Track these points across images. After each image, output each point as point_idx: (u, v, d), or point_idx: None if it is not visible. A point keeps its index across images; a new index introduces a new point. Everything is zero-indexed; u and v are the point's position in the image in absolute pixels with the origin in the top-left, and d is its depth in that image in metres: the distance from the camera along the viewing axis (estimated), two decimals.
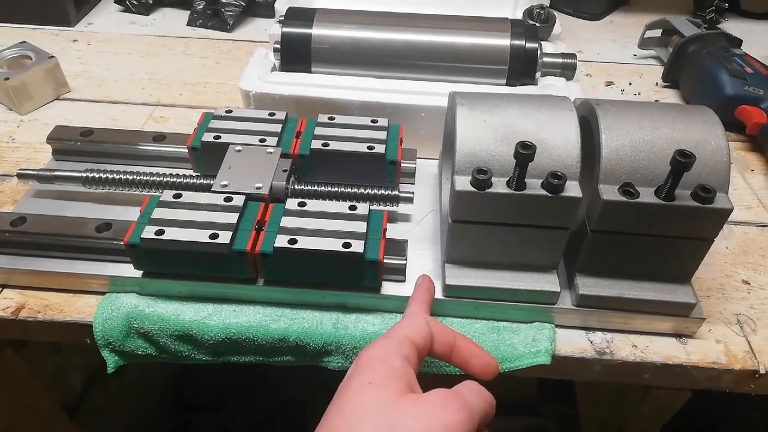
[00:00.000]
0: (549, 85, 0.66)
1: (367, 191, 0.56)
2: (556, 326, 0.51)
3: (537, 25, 0.72)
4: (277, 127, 0.58)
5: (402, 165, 0.58)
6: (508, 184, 0.45)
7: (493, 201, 0.45)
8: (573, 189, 0.45)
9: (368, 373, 0.37)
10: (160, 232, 0.47)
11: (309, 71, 0.67)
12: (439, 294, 0.51)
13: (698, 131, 0.47)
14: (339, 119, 0.59)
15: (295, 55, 0.66)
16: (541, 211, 0.46)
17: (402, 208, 0.59)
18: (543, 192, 0.45)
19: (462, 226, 0.47)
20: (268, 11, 0.94)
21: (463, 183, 0.45)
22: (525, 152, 0.43)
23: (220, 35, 0.90)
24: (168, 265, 0.50)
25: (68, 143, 0.60)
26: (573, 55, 0.68)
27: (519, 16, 0.79)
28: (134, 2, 0.93)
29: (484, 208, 0.46)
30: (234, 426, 1.22)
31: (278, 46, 0.66)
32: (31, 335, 0.52)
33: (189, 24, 0.92)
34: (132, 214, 0.55)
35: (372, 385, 0.36)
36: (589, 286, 0.49)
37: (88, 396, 0.98)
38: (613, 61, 0.89)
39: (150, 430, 1.18)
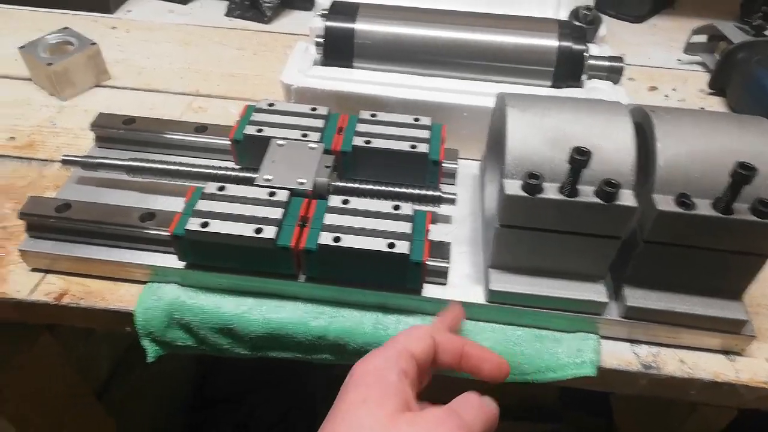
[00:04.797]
0: (595, 88, 0.64)
1: (409, 191, 0.55)
2: (600, 337, 0.50)
3: (584, 26, 0.70)
4: (320, 122, 0.58)
5: (443, 165, 0.57)
6: (560, 190, 0.44)
7: (544, 207, 0.44)
8: (627, 198, 0.44)
9: (363, 389, 0.36)
10: (205, 225, 0.47)
11: (350, 66, 0.66)
12: (481, 299, 0.50)
13: (756, 142, 0.46)
14: (381, 116, 0.59)
15: (337, 49, 0.65)
16: (593, 220, 0.45)
17: (441, 209, 0.58)
18: (596, 200, 0.44)
19: (510, 231, 0.46)
20: (306, 3, 0.93)
21: (514, 187, 0.44)
22: (580, 158, 0.42)
23: (257, 27, 0.90)
24: (211, 257, 0.50)
25: (111, 131, 0.60)
26: (620, 59, 0.66)
27: (562, 16, 0.78)
28: None
29: (534, 214, 0.45)
30: (252, 422, 1.22)
31: (320, 39, 0.66)
32: (74, 321, 0.52)
33: (227, 14, 0.91)
34: (173, 203, 0.55)
35: (366, 403, 0.35)
36: (637, 297, 0.48)
37: (113, 384, 0.99)
38: (657, 66, 0.87)
39: (170, 422, 1.19)
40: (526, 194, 0.44)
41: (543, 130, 0.46)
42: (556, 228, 0.46)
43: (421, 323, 0.51)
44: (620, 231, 0.45)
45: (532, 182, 0.43)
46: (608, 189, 0.43)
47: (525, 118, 0.46)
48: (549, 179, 0.44)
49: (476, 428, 0.35)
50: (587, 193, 0.44)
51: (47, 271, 0.53)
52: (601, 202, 0.43)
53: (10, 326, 0.63)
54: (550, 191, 0.44)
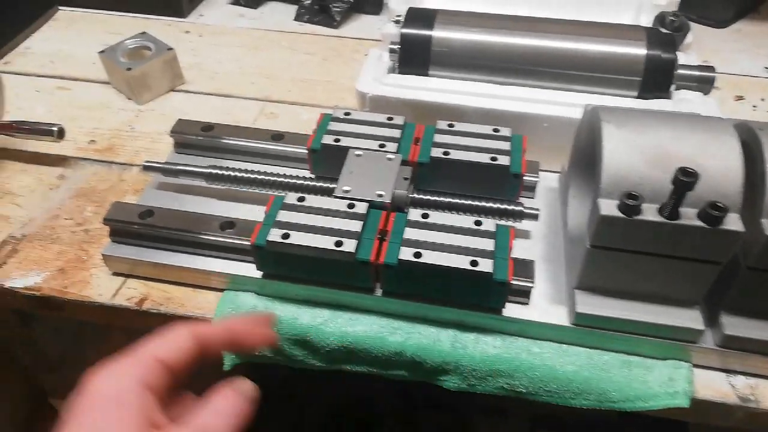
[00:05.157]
0: (684, 99, 0.61)
1: (489, 205, 0.53)
2: (692, 365, 0.47)
3: (672, 33, 0.67)
4: (397, 133, 0.57)
5: (524, 178, 0.55)
6: (660, 211, 0.42)
7: (642, 229, 0.42)
8: (734, 222, 0.41)
9: (90, 419, 0.30)
10: (286, 236, 0.47)
11: (426, 74, 0.65)
12: (565, 321, 0.48)
13: None
14: (459, 126, 0.57)
15: (413, 57, 0.64)
16: (694, 244, 0.42)
17: (520, 224, 0.56)
18: (699, 223, 0.41)
19: (602, 253, 0.44)
20: (375, 8, 0.92)
21: (610, 207, 0.42)
22: (686, 180, 0.39)
23: (326, 31, 0.90)
24: (289, 268, 0.49)
25: (189, 137, 0.61)
26: (711, 68, 0.63)
27: (642, 21, 0.75)
28: None
29: (630, 236, 0.43)
30: (303, 419, 1.23)
31: (395, 47, 0.65)
32: (153, 326, 0.53)
33: (296, 19, 0.92)
34: (251, 211, 0.56)
35: None
36: (736, 326, 0.45)
37: None
38: (742, 74, 0.82)
39: None
40: (622, 215, 0.42)
41: (641, 147, 0.43)
42: (652, 251, 0.43)
43: (501, 343, 0.49)
44: (723, 256, 0.43)
45: (630, 203, 0.41)
46: (714, 212, 0.40)
47: (621, 134, 0.44)
48: (648, 200, 0.42)
49: None
50: (689, 216, 0.41)
51: (128, 276, 0.54)
52: (705, 226, 0.41)
53: (85, 323, 0.65)
54: (649, 213, 0.42)
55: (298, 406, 1.25)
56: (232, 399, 0.34)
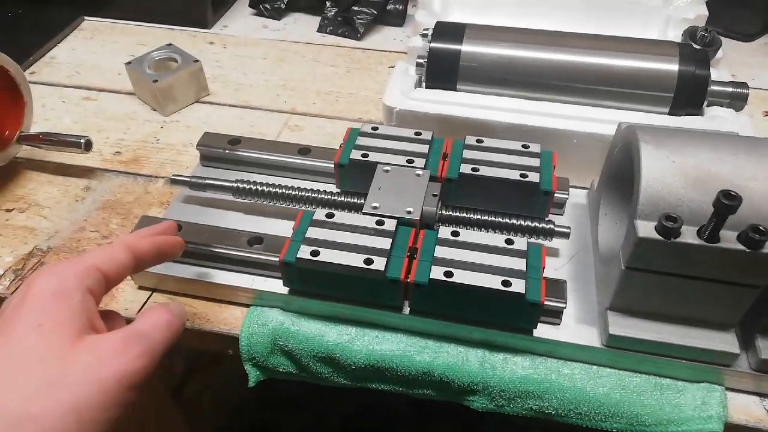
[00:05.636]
0: (716, 116, 0.60)
1: (519, 222, 0.53)
2: (725, 389, 0.46)
3: (704, 49, 0.66)
4: (424, 148, 0.56)
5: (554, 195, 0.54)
6: (699, 233, 0.41)
7: (680, 251, 0.41)
8: None
9: (39, 312, 0.32)
10: (316, 253, 0.46)
11: (454, 89, 0.64)
12: (597, 343, 0.47)
13: None
14: (488, 142, 0.57)
15: (441, 71, 0.64)
16: (734, 267, 0.41)
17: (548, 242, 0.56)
18: (740, 247, 0.40)
19: (637, 275, 0.43)
20: (398, 20, 0.92)
21: (647, 229, 0.41)
22: (729, 203, 0.38)
23: (349, 43, 0.90)
24: (316, 284, 0.49)
25: (216, 150, 0.61)
26: (744, 85, 0.62)
27: (669, 36, 0.74)
28: (267, 6, 0.94)
29: (667, 258, 0.42)
30: (317, 428, 1.22)
31: (422, 61, 0.64)
32: (179, 341, 0.52)
33: (319, 30, 0.92)
34: (279, 226, 0.55)
35: (42, 328, 0.31)
36: None
37: (188, 382, 1.01)
38: None
39: (239, 421, 1.21)
40: (660, 237, 0.41)
41: (681, 168, 0.42)
42: (689, 274, 0.42)
43: (530, 363, 0.48)
44: (763, 280, 0.42)
45: (669, 225, 0.40)
46: (755, 236, 0.39)
47: (660, 154, 0.43)
48: (687, 222, 0.41)
49: (161, 346, 0.34)
50: (730, 239, 0.40)
51: (154, 290, 0.54)
52: (746, 250, 0.40)
53: None
54: (688, 235, 0.41)
55: (313, 415, 1.24)
56: (165, 314, 0.37)
